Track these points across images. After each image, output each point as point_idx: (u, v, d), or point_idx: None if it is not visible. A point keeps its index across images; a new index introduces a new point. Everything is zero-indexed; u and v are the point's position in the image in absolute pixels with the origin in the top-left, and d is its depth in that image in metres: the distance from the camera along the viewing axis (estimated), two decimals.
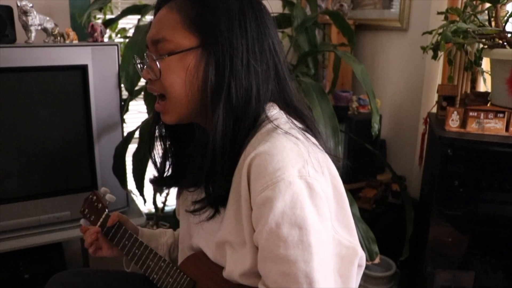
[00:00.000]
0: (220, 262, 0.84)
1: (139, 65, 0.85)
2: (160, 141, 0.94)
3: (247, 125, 0.77)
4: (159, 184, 0.96)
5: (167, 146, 0.94)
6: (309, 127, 0.83)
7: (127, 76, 1.68)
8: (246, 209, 0.74)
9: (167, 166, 0.94)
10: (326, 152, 0.81)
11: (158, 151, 0.94)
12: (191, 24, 0.77)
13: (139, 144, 1.64)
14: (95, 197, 1.08)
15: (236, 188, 0.76)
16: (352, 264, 0.77)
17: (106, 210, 1.05)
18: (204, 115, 0.80)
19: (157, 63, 0.79)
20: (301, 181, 0.70)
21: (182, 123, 0.84)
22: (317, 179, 0.72)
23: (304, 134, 0.78)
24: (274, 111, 0.80)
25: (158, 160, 0.95)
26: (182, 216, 0.98)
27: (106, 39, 1.67)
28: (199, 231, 0.89)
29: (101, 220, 1.05)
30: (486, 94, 1.70)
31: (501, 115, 1.47)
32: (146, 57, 0.82)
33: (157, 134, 0.93)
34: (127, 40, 2.13)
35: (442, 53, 1.61)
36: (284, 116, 0.80)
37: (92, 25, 1.55)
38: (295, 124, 0.80)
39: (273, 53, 0.81)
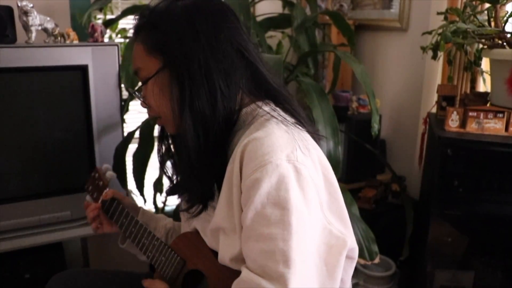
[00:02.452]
0: (216, 248, 0.87)
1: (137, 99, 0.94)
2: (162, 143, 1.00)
3: (219, 125, 0.80)
4: (174, 192, 0.99)
5: (168, 147, 0.99)
6: (289, 111, 0.85)
7: (127, 76, 1.68)
8: (237, 194, 0.77)
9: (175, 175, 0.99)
10: (313, 137, 0.84)
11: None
12: (151, 49, 0.83)
13: (139, 144, 1.64)
14: (97, 175, 1.14)
15: (229, 176, 0.78)
16: (340, 255, 0.78)
17: (107, 188, 1.10)
18: None
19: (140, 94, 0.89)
20: (289, 165, 0.73)
21: None
22: (305, 164, 0.75)
23: (297, 127, 0.81)
24: (268, 107, 0.83)
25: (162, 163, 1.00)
26: None
27: (106, 39, 1.67)
28: (196, 220, 0.93)
29: (101, 197, 1.09)
30: (485, 94, 1.70)
31: (500, 115, 1.47)
32: (134, 93, 0.92)
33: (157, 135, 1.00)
34: (127, 40, 2.14)
35: (442, 53, 1.61)
36: (278, 111, 0.83)
37: (93, 25, 1.55)
38: (288, 117, 0.83)
39: (232, 40, 0.82)
